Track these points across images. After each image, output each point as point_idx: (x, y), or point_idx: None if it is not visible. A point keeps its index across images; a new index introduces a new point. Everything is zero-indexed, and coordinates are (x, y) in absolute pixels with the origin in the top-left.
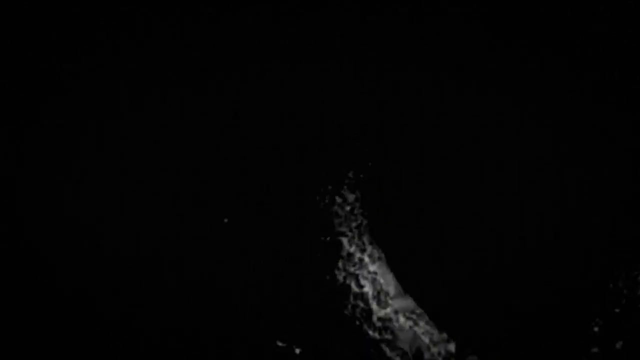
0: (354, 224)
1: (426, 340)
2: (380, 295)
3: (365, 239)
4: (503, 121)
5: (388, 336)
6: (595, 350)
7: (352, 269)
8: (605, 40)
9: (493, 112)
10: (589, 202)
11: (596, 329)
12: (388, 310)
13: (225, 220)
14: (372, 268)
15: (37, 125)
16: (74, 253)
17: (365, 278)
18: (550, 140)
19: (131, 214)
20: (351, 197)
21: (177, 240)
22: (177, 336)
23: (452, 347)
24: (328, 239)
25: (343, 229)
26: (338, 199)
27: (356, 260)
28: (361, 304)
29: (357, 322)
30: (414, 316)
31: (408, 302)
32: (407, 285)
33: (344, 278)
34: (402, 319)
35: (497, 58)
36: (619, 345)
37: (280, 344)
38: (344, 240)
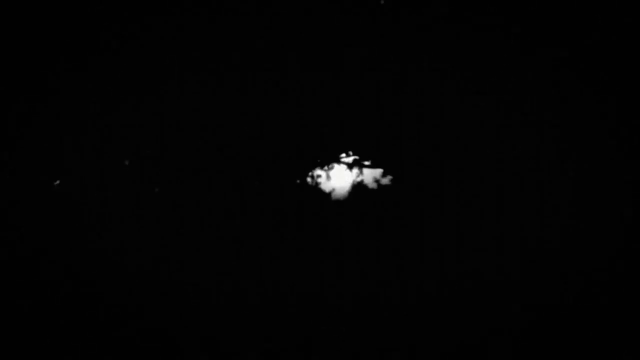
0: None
1: None
2: None
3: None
4: (504, 121)
5: None
6: (595, 349)
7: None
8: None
9: (494, 112)
10: (590, 202)
11: (596, 328)
12: None
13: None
14: None
15: (37, 125)
16: (73, 253)
17: None
18: (550, 141)
19: (130, 215)
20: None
21: (176, 241)
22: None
23: None
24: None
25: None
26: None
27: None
28: None
29: None
30: None
31: None
32: (406, 285)
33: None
34: None
35: (497, 58)
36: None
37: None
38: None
